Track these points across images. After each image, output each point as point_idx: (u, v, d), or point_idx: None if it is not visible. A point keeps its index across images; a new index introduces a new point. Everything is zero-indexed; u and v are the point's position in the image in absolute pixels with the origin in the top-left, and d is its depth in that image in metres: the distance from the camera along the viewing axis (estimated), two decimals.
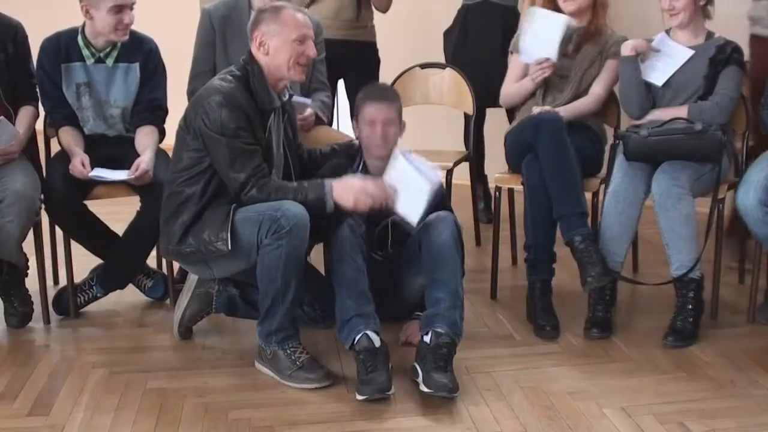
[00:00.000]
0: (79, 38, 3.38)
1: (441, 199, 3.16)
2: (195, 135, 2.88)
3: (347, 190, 2.85)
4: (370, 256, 3.16)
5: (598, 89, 3.57)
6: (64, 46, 3.37)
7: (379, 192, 2.87)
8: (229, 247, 2.81)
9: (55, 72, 3.37)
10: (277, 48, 2.89)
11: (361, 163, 3.16)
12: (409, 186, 2.95)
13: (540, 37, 3.50)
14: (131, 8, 3.32)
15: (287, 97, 3.04)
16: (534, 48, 3.53)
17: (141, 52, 3.44)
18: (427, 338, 2.83)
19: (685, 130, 3.23)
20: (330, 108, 3.66)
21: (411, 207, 2.95)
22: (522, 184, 3.39)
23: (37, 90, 3.49)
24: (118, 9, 3.27)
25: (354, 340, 2.82)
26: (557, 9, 3.56)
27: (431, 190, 2.94)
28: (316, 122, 3.53)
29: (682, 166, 3.20)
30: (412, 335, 3.10)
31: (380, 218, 3.13)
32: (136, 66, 3.43)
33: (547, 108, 3.45)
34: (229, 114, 2.81)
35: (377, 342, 2.81)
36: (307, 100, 3.47)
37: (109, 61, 3.41)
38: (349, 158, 3.18)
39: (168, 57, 3.54)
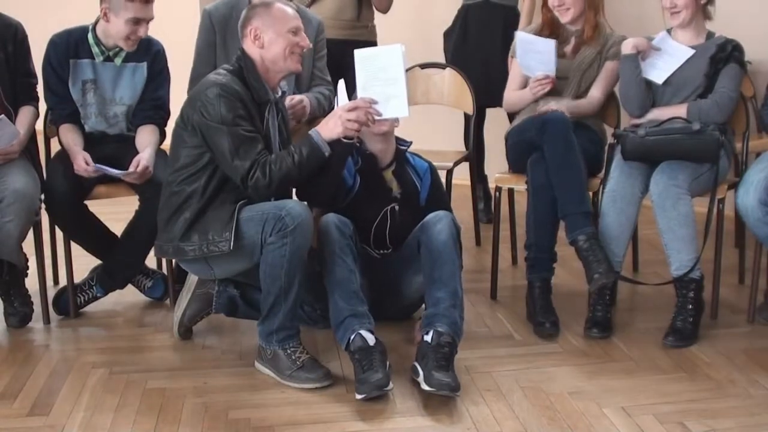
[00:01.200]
0: (90, 36, 3.38)
1: (440, 191, 3.18)
2: (194, 130, 2.89)
3: (330, 124, 2.89)
4: (369, 255, 3.17)
5: (596, 93, 3.57)
6: (74, 42, 3.38)
7: (358, 107, 2.88)
8: (231, 247, 2.81)
9: (62, 67, 3.37)
10: (271, 40, 2.93)
11: (359, 159, 3.16)
12: (382, 81, 2.93)
13: (535, 57, 3.53)
14: (148, 22, 3.33)
15: (280, 94, 3.05)
16: (532, 66, 3.56)
17: (149, 53, 3.46)
18: (428, 337, 2.83)
19: (682, 129, 3.22)
20: (330, 101, 3.66)
21: (395, 105, 2.93)
22: (526, 183, 3.39)
23: (38, 88, 3.49)
24: (136, 21, 3.29)
25: (349, 340, 2.82)
26: (554, 18, 3.59)
27: (402, 58, 2.89)
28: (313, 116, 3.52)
29: (680, 166, 3.19)
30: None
31: (376, 215, 3.13)
32: (144, 66, 3.44)
33: (551, 107, 3.44)
34: (228, 103, 2.83)
35: (371, 341, 2.81)
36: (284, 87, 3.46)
37: (118, 60, 3.42)
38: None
39: (168, 58, 3.54)
